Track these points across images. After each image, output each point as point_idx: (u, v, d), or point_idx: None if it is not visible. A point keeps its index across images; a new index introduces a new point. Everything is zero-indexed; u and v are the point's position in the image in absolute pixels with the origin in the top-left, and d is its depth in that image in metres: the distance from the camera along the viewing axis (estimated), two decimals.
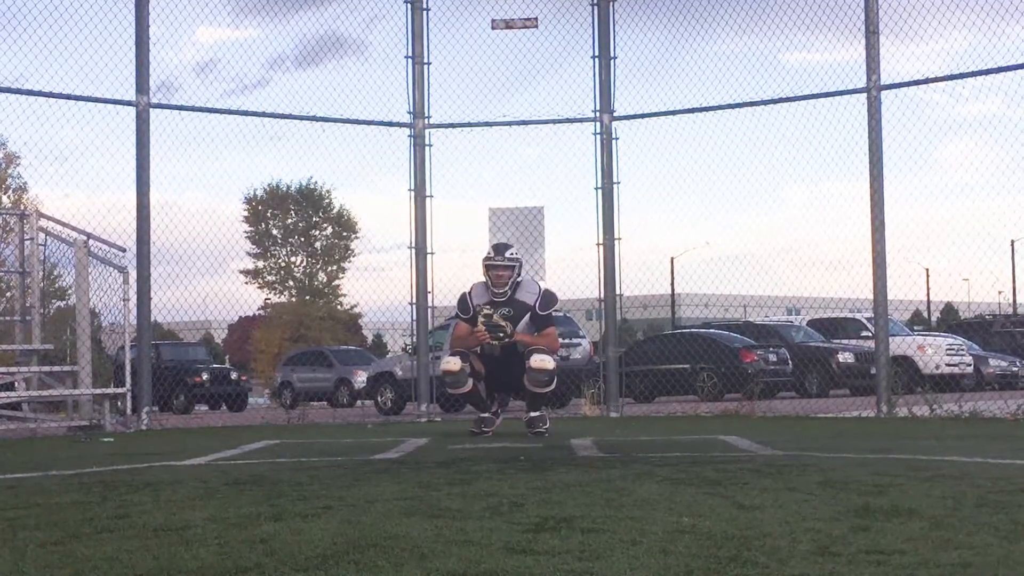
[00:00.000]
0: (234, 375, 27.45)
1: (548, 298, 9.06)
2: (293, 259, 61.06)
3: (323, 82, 14.02)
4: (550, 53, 13.57)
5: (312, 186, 57.98)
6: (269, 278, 60.47)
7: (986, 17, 11.24)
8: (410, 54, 13.42)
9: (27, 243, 12.13)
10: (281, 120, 13.19)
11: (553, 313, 9.22)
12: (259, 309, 55.11)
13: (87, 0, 11.92)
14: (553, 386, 8.94)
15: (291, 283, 60.84)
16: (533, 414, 9.00)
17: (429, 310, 13.52)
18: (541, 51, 13.53)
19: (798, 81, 12.52)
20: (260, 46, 15.11)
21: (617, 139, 13.21)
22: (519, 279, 9.08)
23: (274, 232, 60.69)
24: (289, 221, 60.77)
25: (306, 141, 13.51)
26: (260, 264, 60.26)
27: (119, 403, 11.54)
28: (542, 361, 8.72)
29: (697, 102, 13.08)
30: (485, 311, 8.86)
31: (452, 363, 8.93)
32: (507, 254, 9.06)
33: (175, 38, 13.16)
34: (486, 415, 9.21)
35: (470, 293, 9.14)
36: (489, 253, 9.11)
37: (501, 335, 8.83)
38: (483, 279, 9.13)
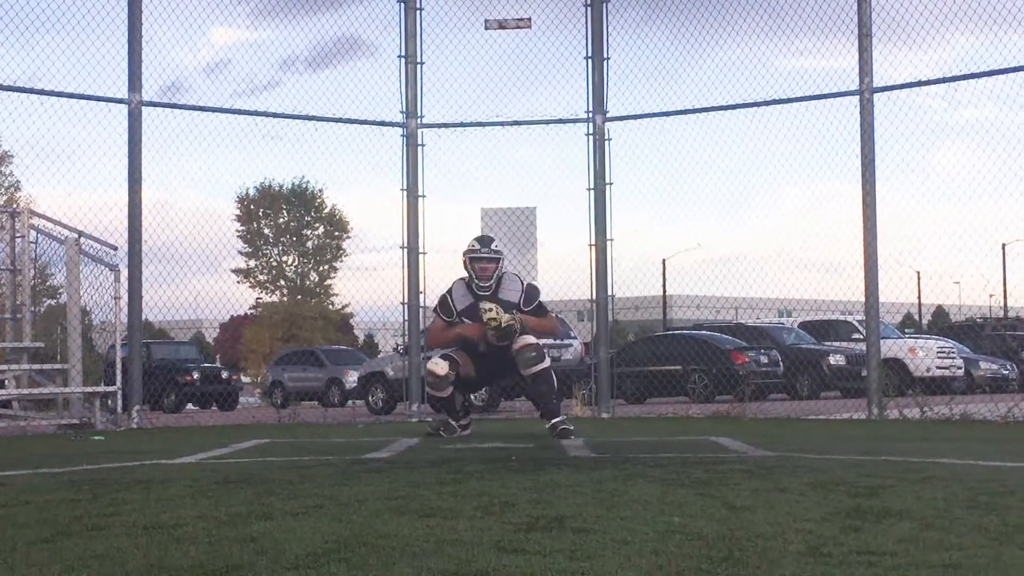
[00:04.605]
0: (225, 374, 27.42)
1: (532, 292, 8.84)
2: (285, 258, 61.08)
3: (318, 82, 13.99)
4: (544, 54, 13.58)
5: (304, 186, 58.00)
6: (261, 277, 60.50)
7: (980, 22, 11.27)
8: (403, 54, 13.44)
9: (18, 241, 12.10)
10: (275, 119, 13.19)
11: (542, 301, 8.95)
12: (250, 308, 55.12)
13: None
14: (546, 362, 8.59)
15: (283, 282, 60.85)
16: (554, 420, 8.55)
17: (421, 310, 13.52)
18: (534, 52, 13.55)
19: (792, 84, 12.51)
20: (266, 48, 15.11)
21: (610, 140, 13.20)
22: (502, 272, 8.83)
23: (266, 231, 60.68)
24: (281, 220, 60.77)
25: (299, 140, 13.49)
26: (252, 263, 60.26)
27: (109, 401, 11.51)
28: (524, 339, 8.51)
29: (690, 104, 13.10)
30: (489, 311, 8.44)
31: (439, 367, 8.68)
32: (492, 246, 8.82)
33: (182, 38, 13.13)
34: (451, 422, 8.99)
35: (450, 293, 8.87)
36: (473, 245, 8.77)
37: (515, 330, 8.50)
38: (463, 275, 8.82)
